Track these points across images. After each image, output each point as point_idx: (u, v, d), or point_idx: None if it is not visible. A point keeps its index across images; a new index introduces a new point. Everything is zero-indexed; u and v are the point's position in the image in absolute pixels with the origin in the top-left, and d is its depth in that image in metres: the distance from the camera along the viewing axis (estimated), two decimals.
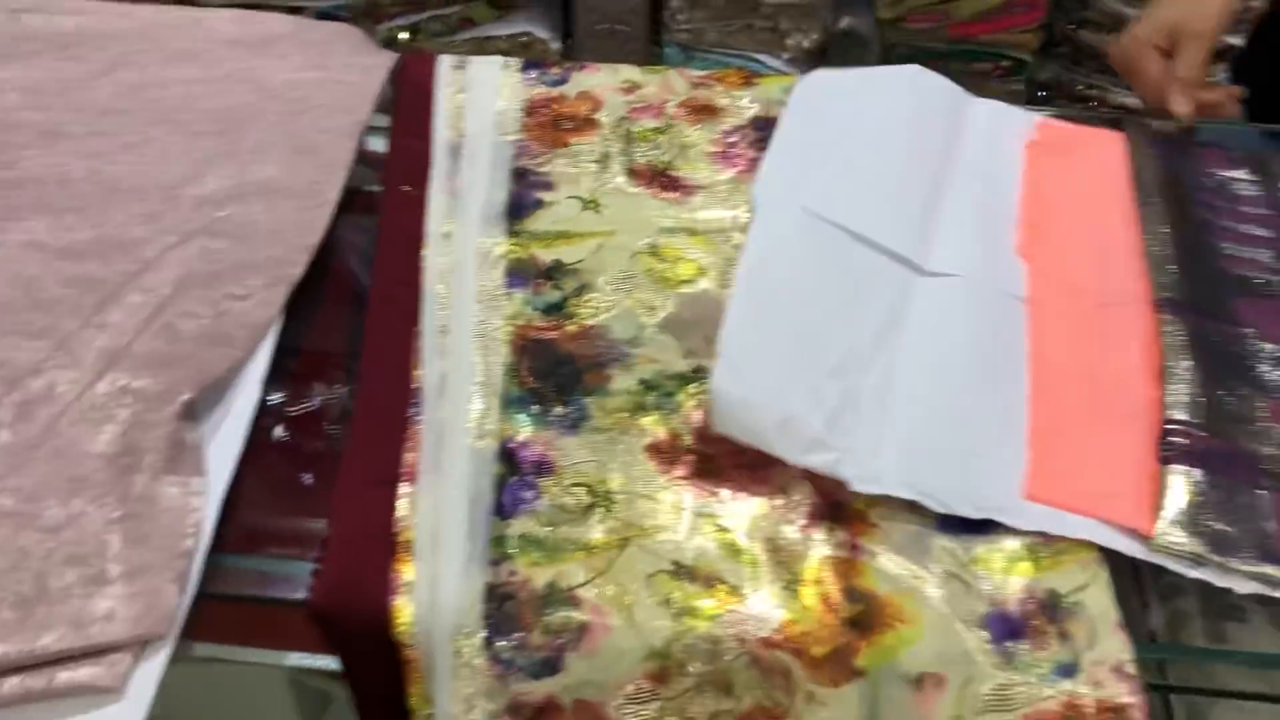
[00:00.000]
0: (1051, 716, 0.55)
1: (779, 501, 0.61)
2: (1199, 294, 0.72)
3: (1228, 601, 0.61)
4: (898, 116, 0.81)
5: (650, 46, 1.54)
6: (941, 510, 0.60)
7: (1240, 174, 0.83)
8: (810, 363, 0.64)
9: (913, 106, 0.82)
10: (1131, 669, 0.55)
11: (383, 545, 0.58)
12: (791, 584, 0.58)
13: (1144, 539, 0.60)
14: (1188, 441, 0.63)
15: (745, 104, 0.86)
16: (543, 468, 0.62)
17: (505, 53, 1.52)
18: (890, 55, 1.53)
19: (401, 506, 0.60)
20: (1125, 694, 0.54)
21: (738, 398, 0.61)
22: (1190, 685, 0.68)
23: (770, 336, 0.64)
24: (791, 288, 0.68)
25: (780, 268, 0.68)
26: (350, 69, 0.88)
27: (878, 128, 0.79)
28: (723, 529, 0.60)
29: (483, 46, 1.54)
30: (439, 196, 0.77)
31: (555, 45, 1.54)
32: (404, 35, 1.51)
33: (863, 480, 0.61)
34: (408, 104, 0.85)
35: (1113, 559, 0.60)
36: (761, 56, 1.49)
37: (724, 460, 0.63)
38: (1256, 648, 0.70)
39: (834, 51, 1.55)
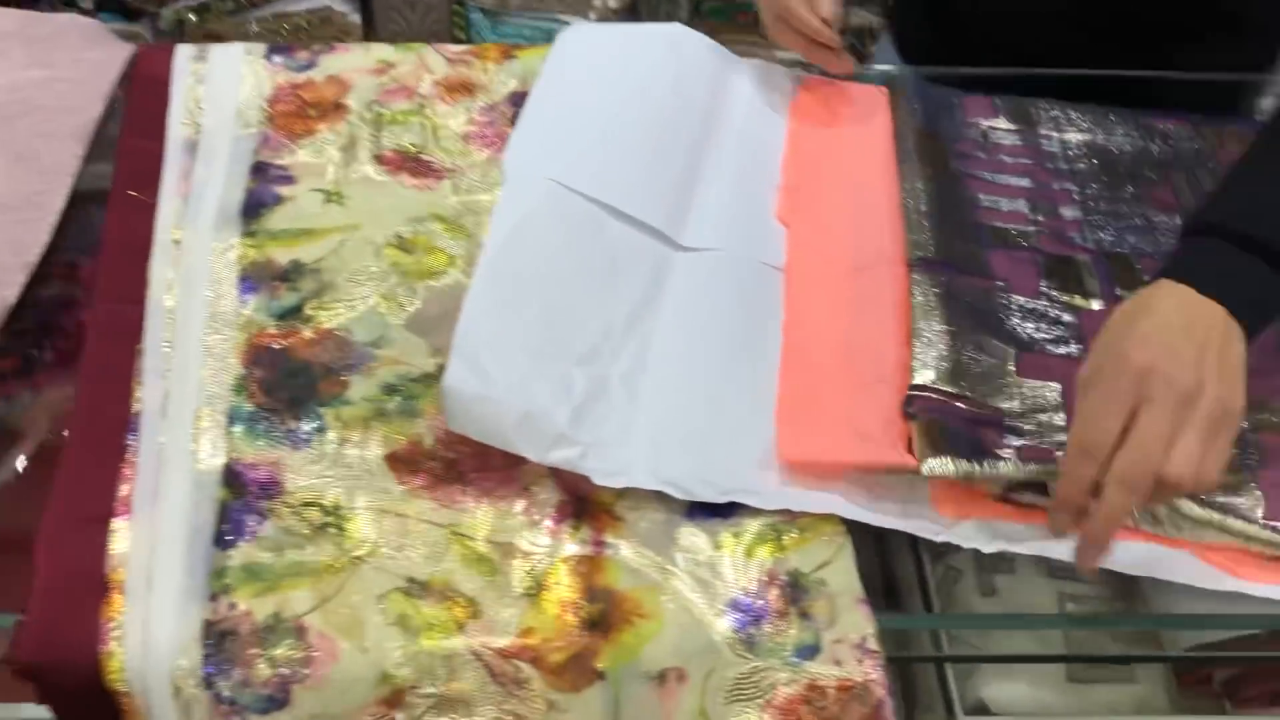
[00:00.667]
0: (794, 700, 0.54)
1: (523, 503, 0.59)
2: (953, 250, 0.72)
3: (998, 555, 0.62)
4: (657, 79, 0.78)
5: (452, 16, 1.49)
6: (686, 498, 0.59)
7: (1001, 123, 0.83)
8: (558, 351, 0.62)
9: (673, 68, 0.79)
10: (874, 644, 0.55)
11: (92, 588, 0.54)
12: (532, 590, 0.56)
13: (908, 470, 0.60)
14: (931, 403, 0.63)
15: (503, 79, 0.82)
16: (271, 489, 0.59)
17: (303, 28, 1.46)
18: (699, 9, 1.51)
19: (116, 543, 0.56)
20: (866, 671, 0.54)
21: (473, 395, 0.58)
22: (960, 654, 0.68)
23: (513, 325, 0.62)
24: (538, 270, 0.65)
25: (526, 248, 0.66)
26: (80, 65, 0.82)
27: (635, 92, 0.77)
28: (463, 538, 0.58)
29: (278, 24, 1.47)
30: (170, 200, 0.72)
31: (354, 18, 1.48)
32: (192, 17, 1.44)
33: (608, 474, 0.59)
34: (140, 101, 0.79)
35: (861, 529, 0.60)
36: (568, 18, 1.45)
37: (467, 464, 0.60)
38: (1023, 596, 0.71)
39: (644, 7, 1.52)
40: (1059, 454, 0.60)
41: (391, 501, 0.59)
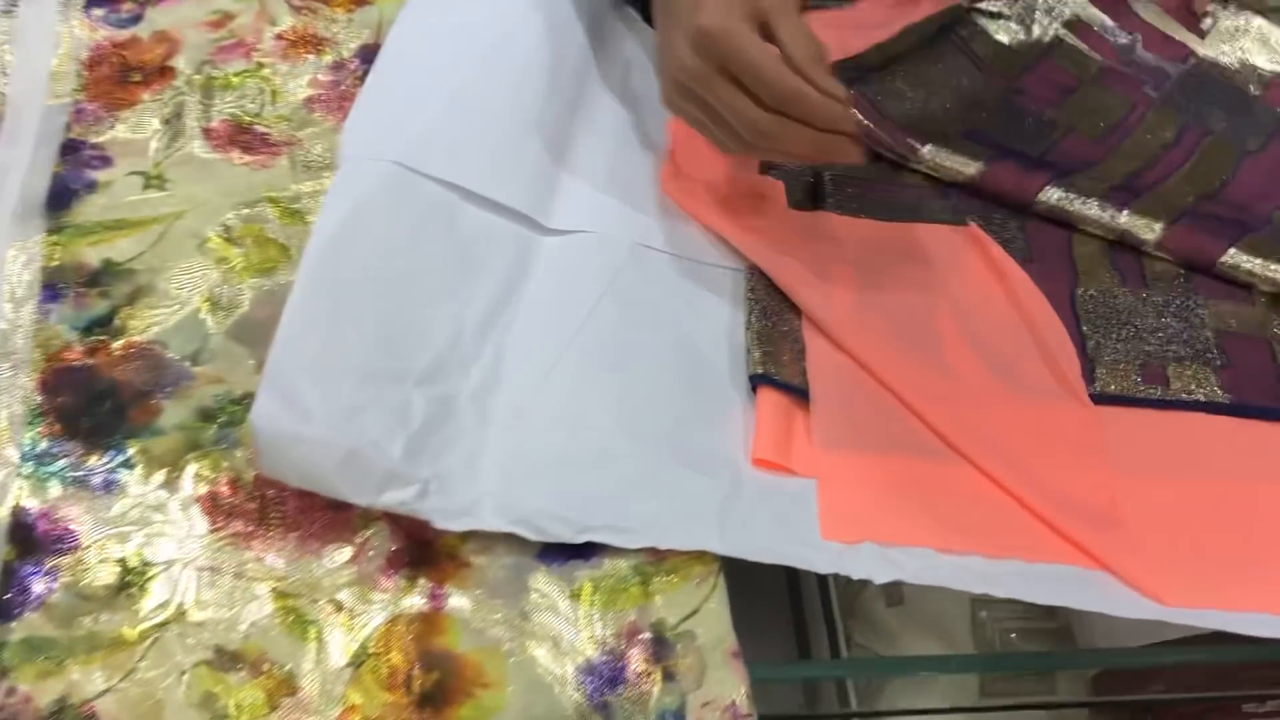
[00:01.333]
0: None
1: (351, 551, 0.52)
2: None
3: None
4: (524, 31, 0.68)
5: None
6: (539, 539, 0.52)
7: None
8: (394, 370, 0.54)
9: (543, 16, 0.70)
10: (745, 705, 0.49)
11: None
12: (358, 658, 0.49)
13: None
14: None
15: (355, 30, 0.72)
16: (65, 543, 0.52)
17: None
18: None
19: None
20: None
21: (287, 435, 0.50)
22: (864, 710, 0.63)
23: (339, 343, 0.54)
24: (373, 272, 0.56)
25: (358, 247, 0.57)
26: None
27: (495, 48, 0.67)
28: (282, 595, 0.51)
29: None
30: None
31: None
32: None
33: (449, 515, 0.52)
34: None
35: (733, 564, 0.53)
36: None
37: (292, 504, 0.53)
38: (932, 604, 0.66)
39: None
40: None
41: (202, 553, 0.51)
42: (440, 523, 0.51)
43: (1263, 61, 0.76)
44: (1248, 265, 0.64)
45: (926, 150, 0.67)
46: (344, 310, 0.55)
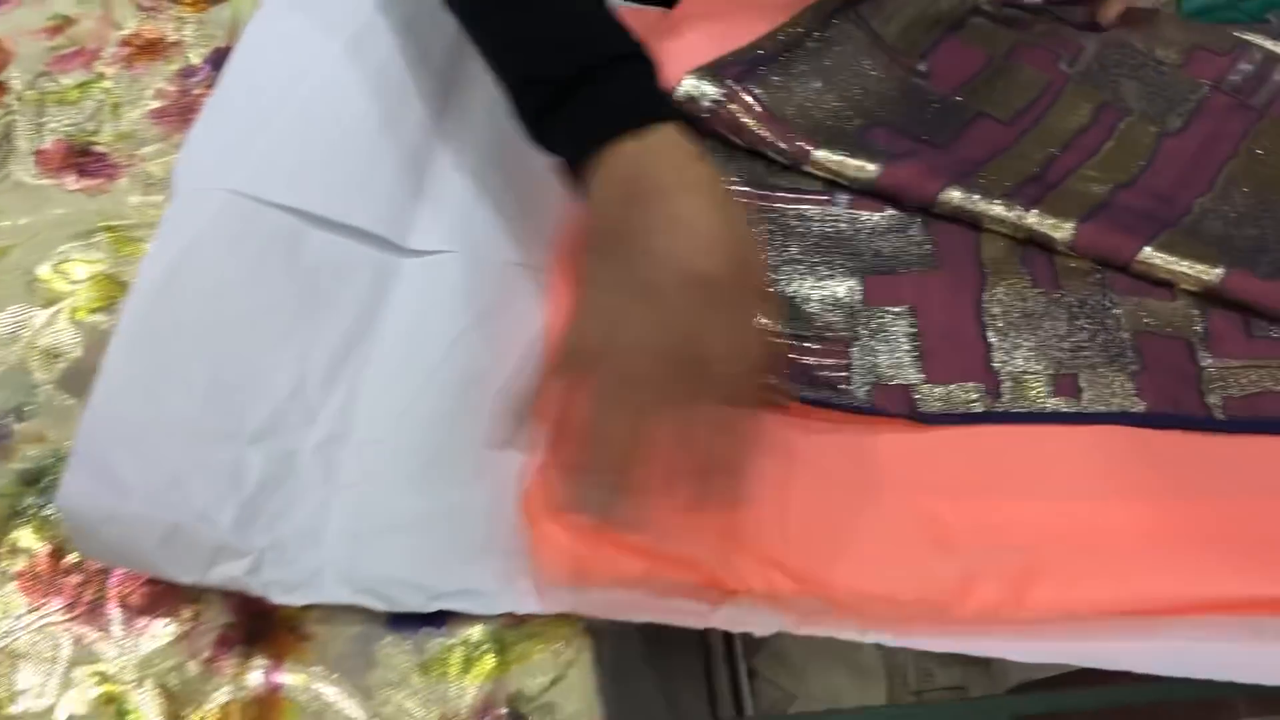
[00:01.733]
0: None
1: (182, 628, 0.48)
2: None
3: None
4: (380, 32, 0.63)
5: None
6: (388, 609, 0.48)
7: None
8: (226, 427, 0.49)
9: (403, 14, 0.64)
10: None
11: None
12: None
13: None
14: None
15: (204, 33, 0.67)
16: None
17: None
18: None
19: None
20: None
21: (100, 515, 0.46)
22: None
23: (161, 403, 0.49)
24: (204, 317, 0.52)
25: (187, 290, 0.52)
26: None
27: (348, 53, 0.62)
28: (105, 678, 0.47)
29: None
30: None
31: None
32: None
33: (287, 588, 0.48)
34: None
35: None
36: None
37: (116, 577, 0.49)
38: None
39: None
40: None
41: (19, 632, 0.47)
42: (277, 597, 0.47)
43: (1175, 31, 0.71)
44: (1164, 264, 0.60)
45: (820, 154, 0.62)
46: (169, 364, 0.50)
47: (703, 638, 0.65)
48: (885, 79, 0.68)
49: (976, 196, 0.61)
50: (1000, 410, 0.55)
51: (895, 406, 0.55)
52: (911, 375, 0.57)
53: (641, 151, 0.49)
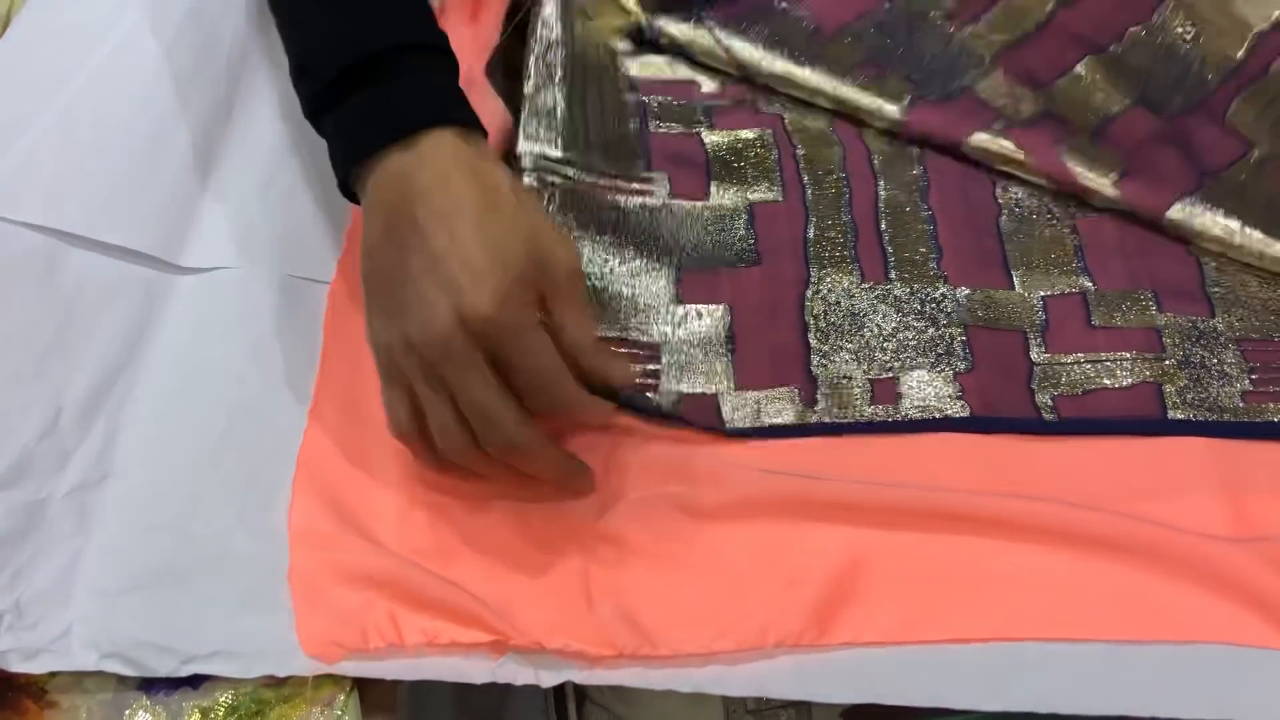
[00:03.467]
0: None
1: None
2: None
3: None
4: (157, 26, 0.58)
5: None
6: (137, 674, 0.45)
7: None
8: None
9: (181, 15, 0.59)
10: None
11: None
12: None
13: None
14: None
15: None
16: None
17: None
18: None
19: None
20: None
21: None
22: None
23: None
24: None
25: None
26: None
27: (119, 50, 0.57)
28: None
29: None
30: None
31: None
32: None
33: (28, 654, 0.44)
34: None
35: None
36: None
37: None
38: None
39: None
40: None
41: None
42: (16, 665, 0.44)
43: None
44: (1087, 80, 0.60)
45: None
46: None
47: None
48: None
49: None
50: (813, 421, 0.52)
51: (701, 418, 0.52)
52: (723, 382, 0.53)
53: (408, 167, 0.45)
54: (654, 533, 0.49)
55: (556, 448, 0.47)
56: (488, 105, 0.59)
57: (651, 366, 0.53)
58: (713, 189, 0.59)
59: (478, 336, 0.43)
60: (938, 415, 0.52)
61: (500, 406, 0.44)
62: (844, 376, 0.53)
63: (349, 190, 0.48)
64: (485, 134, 0.48)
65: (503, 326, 0.43)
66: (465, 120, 0.47)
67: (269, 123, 0.58)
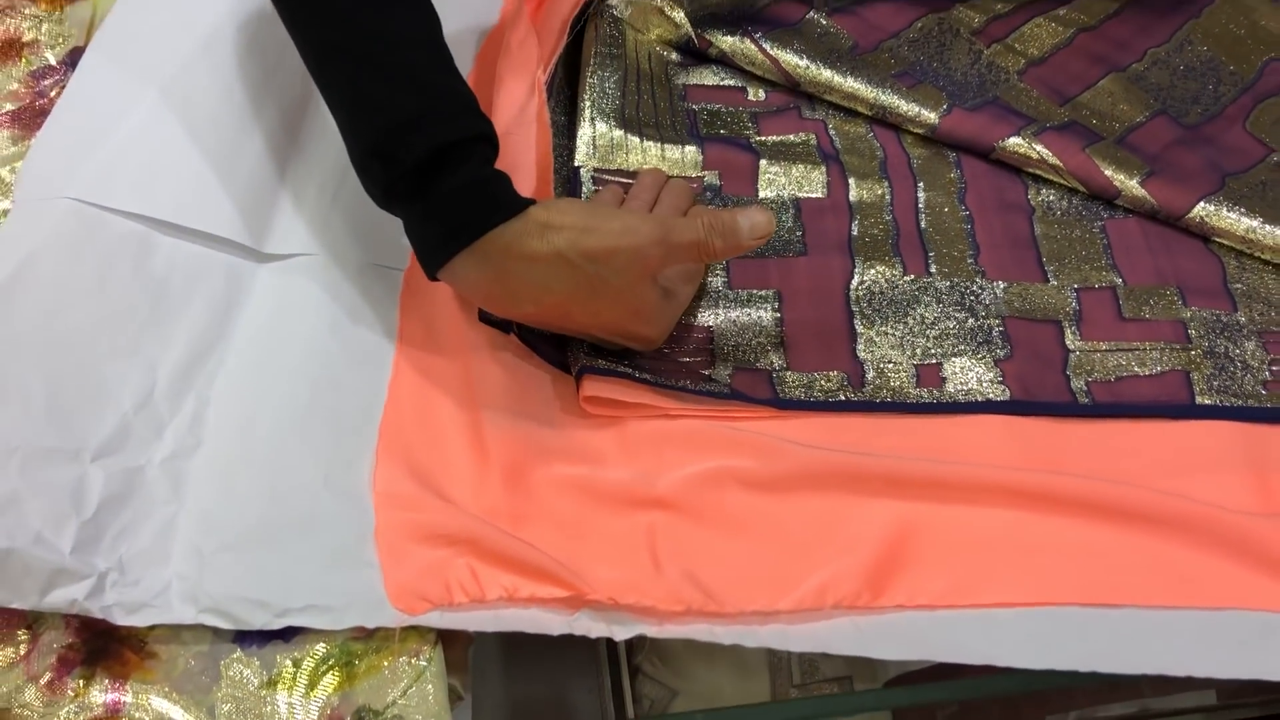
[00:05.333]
0: None
1: (15, 652, 0.47)
2: None
3: None
4: (234, 24, 0.61)
5: None
6: (234, 628, 0.47)
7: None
8: (65, 446, 0.48)
9: (256, 20, 0.62)
10: None
11: None
12: None
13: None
14: None
15: (61, 31, 0.65)
16: None
17: None
18: None
19: None
20: None
21: None
22: None
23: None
24: (44, 331, 0.50)
25: (27, 303, 0.51)
26: None
27: (205, 49, 0.60)
28: None
29: None
30: None
31: None
32: None
33: (131, 609, 0.47)
34: None
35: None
36: None
37: None
38: None
39: None
40: None
41: None
42: (121, 619, 0.46)
43: None
44: (1110, 98, 0.65)
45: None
46: (3, 383, 0.49)
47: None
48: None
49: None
50: (861, 400, 0.55)
51: (756, 391, 0.55)
52: (775, 361, 0.56)
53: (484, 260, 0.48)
54: (712, 501, 0.51)
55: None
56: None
57: (705, 346, 0.56)
58: (760, 187, 0.62)
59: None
60: (979, 399, 0.55)
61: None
62: (889, 361, 0.56)
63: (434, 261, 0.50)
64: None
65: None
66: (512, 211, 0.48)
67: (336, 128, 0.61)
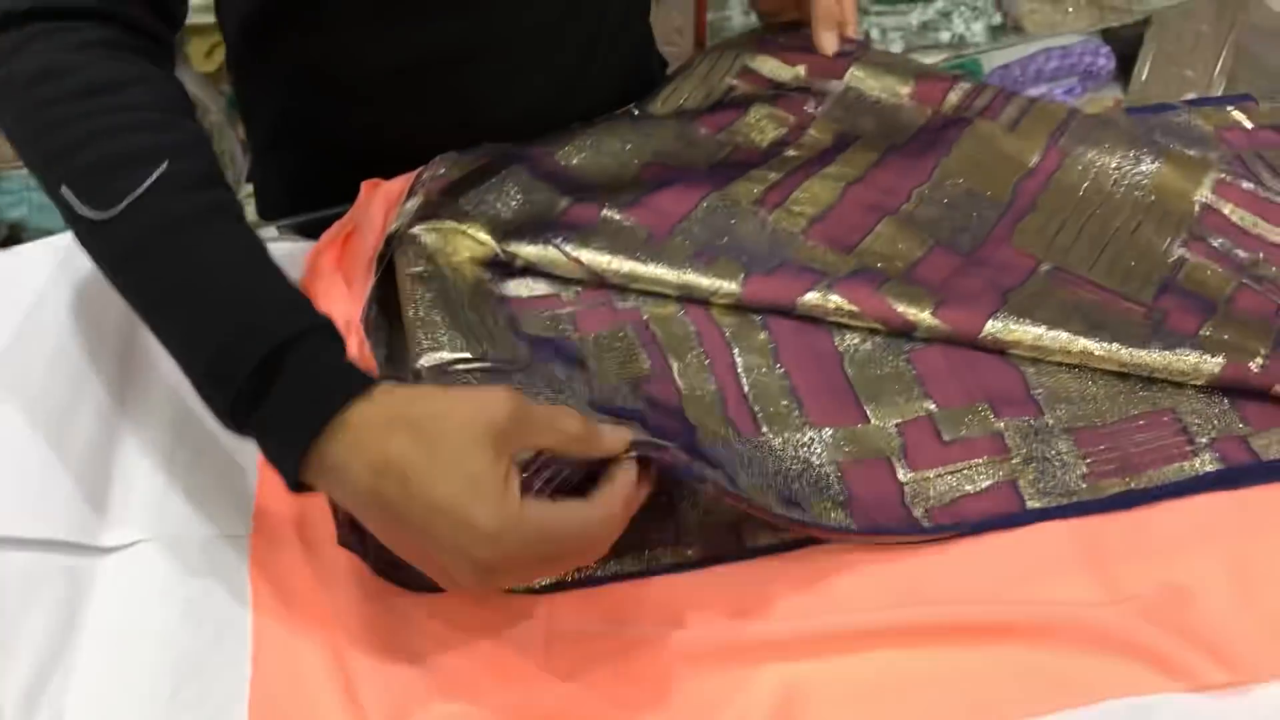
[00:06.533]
0: None
1: None
2: None
3: None
4: (44, 315, 0.61)
5: None
6: None
7: None
8: None
9: (67, 306, 0.62)
10: None
11: None
12: None
13: None
14: None
15: None
16: None
17: None
18: None
19: None
20: None
21: None
22: None
23: None
24: None
25: None
26: None
27: (15, 353, 0.60)
28: None
29: None
30: None
31: None
32: None
33: None
34: None
35: None
36: None
37: None
38: None
39: None
40: None
41: None
42: None
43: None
44: (886, 243, 0.70)
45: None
46: None
47: None
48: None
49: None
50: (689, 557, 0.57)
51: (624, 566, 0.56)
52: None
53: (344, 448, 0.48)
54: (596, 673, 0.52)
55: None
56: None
57: None
58: (591, 378, 0.64)
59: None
60: (837, 525, 0.57)
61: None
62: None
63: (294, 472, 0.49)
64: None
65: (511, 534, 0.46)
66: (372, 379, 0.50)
67: (163, 396, 0.61)
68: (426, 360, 0.60)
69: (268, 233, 0.82)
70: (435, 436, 0.46)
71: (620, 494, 0.49)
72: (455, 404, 0.48)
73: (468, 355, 0.60)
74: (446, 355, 0.60)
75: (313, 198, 0.78)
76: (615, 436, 0.51)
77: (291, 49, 0.77)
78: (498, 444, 0.47)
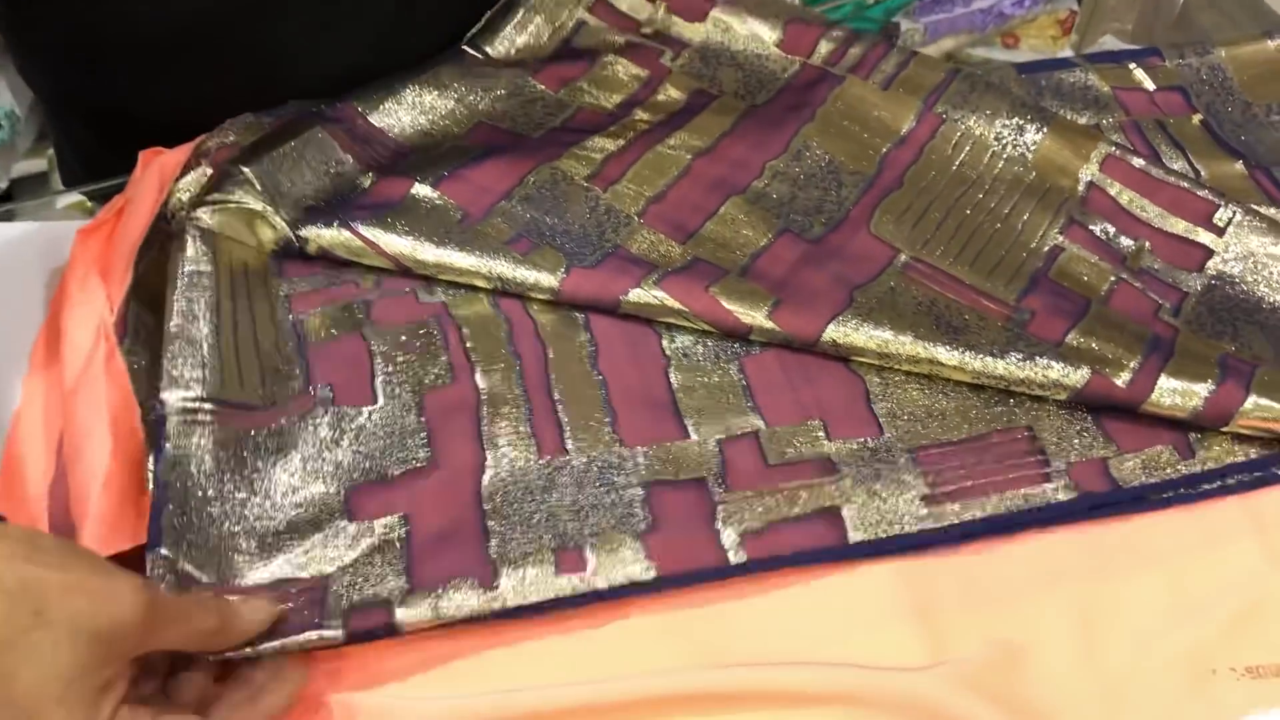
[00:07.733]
0: None
1: None
2: None
3: None
4: None
5: None
6: None
7: None
8: None
9: None
10: None
11: None
12: None
13: None
14: None
15: None
16: None
17: None
18: None
19: None
20: None
21: None
22: None
23: None
24: None
25: None
26: None
27: None
28: None
29: None
30: None
31: None
32: None
33: None
34: None
35: None
36: None
37: None
38: None
39: None
40: None
41: None
42: None
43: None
44: (732, 222, 0.63)
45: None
46: None
47: None
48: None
49: None
50: (498, 608, 0.50)
51: (372, 623, 0.48)
52: (394, 587, 0.50)
53: None
54: None
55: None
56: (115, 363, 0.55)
57: (316, 596, 0.50)
58: (378, 388, 0.57)
59: None
60: (623, 581, 0.50)
61: None
62: (526, 554, 0.51)
63: None
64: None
65: None
66: None
67: None
68: (169, 397, 0.53)
69: (70, 199, 0.74)
70: (38, 612, 0.38)
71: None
72: (80, 580, 0.39)
73: (205, 396, 0.54)
74: (189, 395, 0.53)
75: (109, 167, 0.70)
76: (254, 618, 0.45)
77: (63, 9, 0.67)
78: (110, 646, 0.39)
